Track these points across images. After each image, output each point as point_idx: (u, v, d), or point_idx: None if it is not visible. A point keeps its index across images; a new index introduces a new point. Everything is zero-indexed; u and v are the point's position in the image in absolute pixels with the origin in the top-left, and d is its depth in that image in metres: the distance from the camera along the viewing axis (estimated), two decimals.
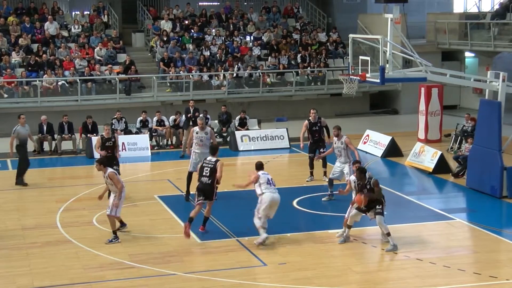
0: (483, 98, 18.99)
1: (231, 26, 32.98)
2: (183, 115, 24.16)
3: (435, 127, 25.28)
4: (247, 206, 16.78)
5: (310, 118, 19.21)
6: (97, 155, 21.93)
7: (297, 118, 29.95)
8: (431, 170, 20.43)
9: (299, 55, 31.35)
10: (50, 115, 24.22)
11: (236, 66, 29.88)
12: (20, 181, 19.23)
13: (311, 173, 19.43)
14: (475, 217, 16.17)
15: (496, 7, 32.64)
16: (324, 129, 19.37)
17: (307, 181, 19.25)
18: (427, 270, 12.67)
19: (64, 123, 23.50)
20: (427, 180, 20.13)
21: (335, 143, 17.12)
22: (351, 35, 20.81)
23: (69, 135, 23.54)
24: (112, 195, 14.24)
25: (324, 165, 19.11)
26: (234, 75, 29.51)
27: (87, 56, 29.09)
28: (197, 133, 17.07)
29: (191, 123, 23.06)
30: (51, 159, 23.05)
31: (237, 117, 25.51)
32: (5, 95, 26.85)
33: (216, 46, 31.00)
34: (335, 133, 17.11)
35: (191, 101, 24.24)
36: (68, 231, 14.95)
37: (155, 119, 24.75)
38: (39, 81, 27.09)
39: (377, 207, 13.74)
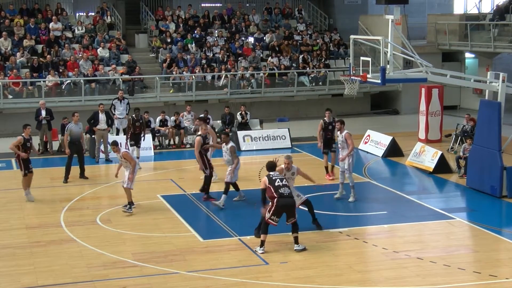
0: (483, 99, 19.09)
1: (233, 27, 33.12)
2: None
3: (436, 127, 25.40)
4: (249, 205, 16.93)
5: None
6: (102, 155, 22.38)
7: (298, 118, 30.15)
8: (431, 170, 20.54)
9: (300, 56, 31.48)
10: (54, 115, 24.29)
11: (242, 61, 30.12)
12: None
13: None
14: (475, 216, 16.26)
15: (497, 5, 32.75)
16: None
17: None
18: (428, 269, 12.75)
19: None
20: (428, 180, 20.24)
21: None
22: (352, 36, 20.94)
23: None
24: (126, 171, 16.41)
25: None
26: (238, 75, 29.63)
27: (90, 55, 29.21)
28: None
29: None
30: (54, 158, 23.18)
31: (238, 113, 25.82)
32: (10, 96, 26.99)
33: (218, 47, 31.15)
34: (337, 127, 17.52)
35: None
36: (72, 230, 15.07)
37: (159, 118, 24.92)
38: (43, 81, 27.25)
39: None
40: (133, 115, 21.73)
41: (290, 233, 13.95)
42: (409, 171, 21.36)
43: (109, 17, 32.24)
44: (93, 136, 23.04)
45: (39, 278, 12.42)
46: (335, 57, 32.34)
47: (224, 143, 17.06)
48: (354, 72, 20.33)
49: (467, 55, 33.06)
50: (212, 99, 29.36)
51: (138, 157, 21.19)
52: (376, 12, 34.05)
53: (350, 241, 14.36)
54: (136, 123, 21.43)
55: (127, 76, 28.42)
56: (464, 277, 12.45)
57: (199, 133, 17.65)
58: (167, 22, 32.32)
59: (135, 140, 21.50)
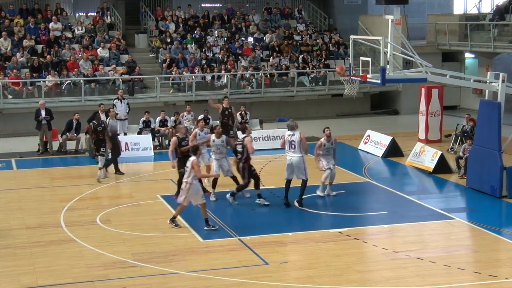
0: (483, 99, 19.09)
1: (233, 27, 33.13)
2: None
3: (435, 127, 25.39)
4: (249, 205, 16.94)
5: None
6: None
7: (298, 118, 30.05)
8: (431, 170, 20.54)
9: (300, 56, 31.49)
10: (54, 115, 24.30)
11: (242, 61, 30.14)
12: (117, 170, 20.49)
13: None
14: (475, 216, 16.26)
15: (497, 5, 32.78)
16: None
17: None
18: (427, 269, 12.75)
19: (73, 121, 23.64)
20: (427, 180, 20.23)
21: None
22: (352, 36, 20.92)
23: (75, 134, 23.71)
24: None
25: None
26: (238, 75, 29.64)
27: (90, 55, 29.21)
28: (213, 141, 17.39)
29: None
30: (54, 158, 23.18)
31: (238, 113, 25.79)
32: (10, 96, 26.99)
33: (218, 47, 31.15)
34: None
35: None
36: (72, 230, 15.06)
37: (158, 118, 24.91)
38: (43, 81, 27.26)
39: None
40: (94, 121, 20.13)
41: (289, 233, 13.91)
42: (409, 171, 21.36)
43: (109, 17, 32.25)
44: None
45: (39, 278, 12.41)
46: (335, 57, 32.34)
47: (216, 136, 17.25)
48: (354, 72, 20.33)
49: (467, 55, 33.07)
50: (212, 99, 29.28)
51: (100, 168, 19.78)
52: (376, 12, 34.06)
53: (350, 241, 14.36)
54: (98, 128, 19.78)
55: (127, 76, 28.43)
56: (464, 277, 12.45)
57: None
58: (167, 22, 32.33)
59: (98, 147, 19.69)
